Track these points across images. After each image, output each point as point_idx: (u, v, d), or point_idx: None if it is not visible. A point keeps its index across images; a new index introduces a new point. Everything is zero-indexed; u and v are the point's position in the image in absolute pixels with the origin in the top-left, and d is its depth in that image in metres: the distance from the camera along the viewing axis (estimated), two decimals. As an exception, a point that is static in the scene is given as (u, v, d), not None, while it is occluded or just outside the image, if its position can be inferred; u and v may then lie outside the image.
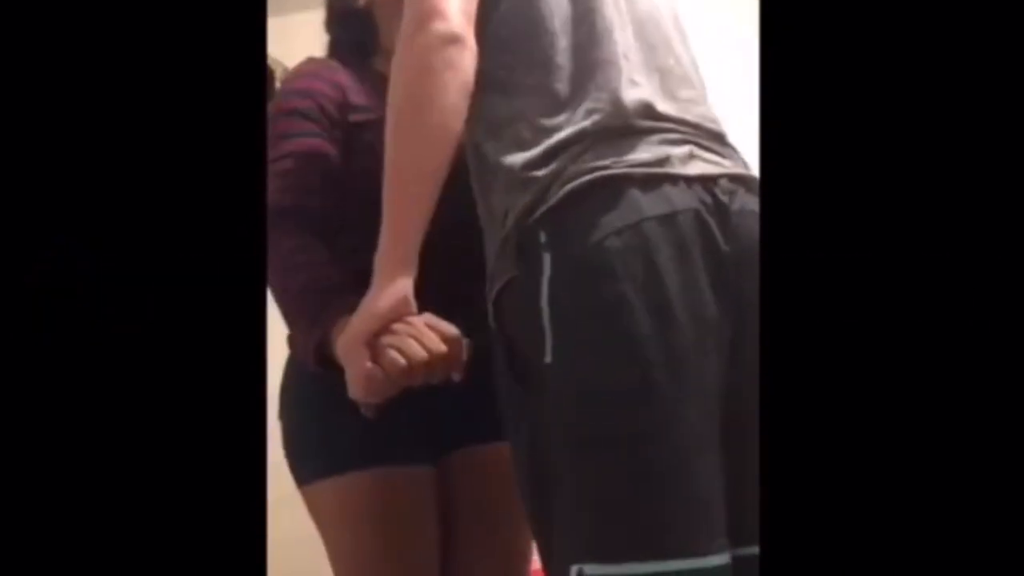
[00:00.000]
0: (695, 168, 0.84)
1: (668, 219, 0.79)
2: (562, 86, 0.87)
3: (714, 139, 0.91)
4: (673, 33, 0.97)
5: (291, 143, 1.07)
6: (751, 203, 0.85)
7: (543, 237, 0.81)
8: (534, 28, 0.89)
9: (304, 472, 1.11)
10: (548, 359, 0.79)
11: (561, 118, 0.85)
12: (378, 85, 1.06)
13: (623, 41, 0.90)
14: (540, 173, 0.82)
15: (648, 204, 0.79)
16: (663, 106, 0.88)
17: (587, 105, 0.85)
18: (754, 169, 0.81)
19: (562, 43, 0.88)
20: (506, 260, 0.84)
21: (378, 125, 0.91)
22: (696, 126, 0.89)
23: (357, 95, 1.12)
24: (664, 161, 0.82)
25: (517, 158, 0.84)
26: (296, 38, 1.69)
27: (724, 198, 0.83)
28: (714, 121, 0.93)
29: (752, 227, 0.83)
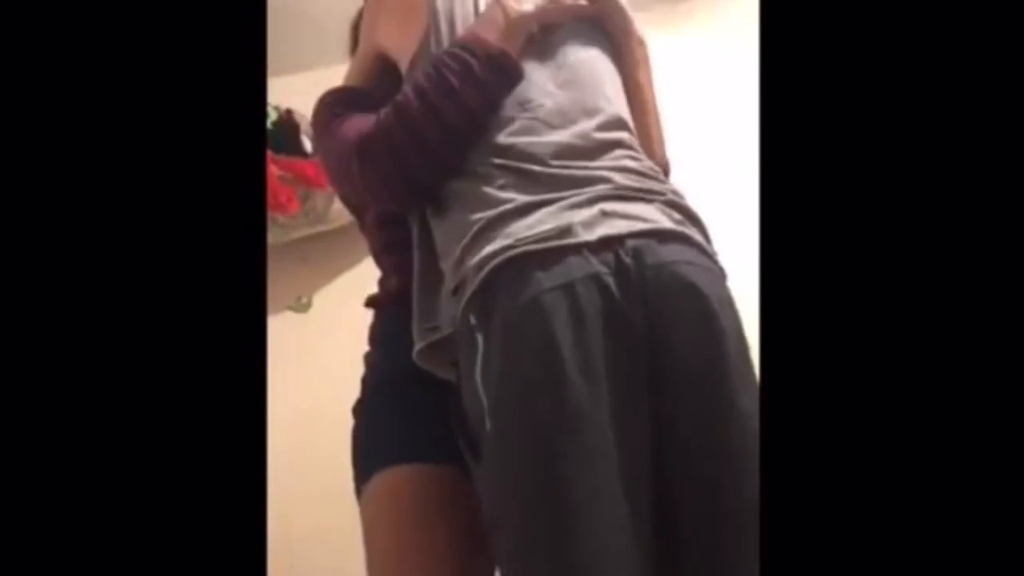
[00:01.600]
0: (599, 231, 0.88)
1: (565, 288, 0.84)
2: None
3: (638, 189, 0.94)
4: (600, 88, 1.03)
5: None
6: (669, 253, 0.88)
7: (472, 320, 0.87)
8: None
9: (357, 477, 1.12)
10: (488, 428, 0.84)
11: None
12: None
13: (542, 100, 0.98)
14: (465, 241, 0.90)
15: (546, 278, 0.85)
16: (574, 169, 0.93)
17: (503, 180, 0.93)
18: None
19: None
20: (457, 340, 0.91)
21: None
22: (612, 181, 0.93)
23: None
24: (566, 231, 0.87)
25: (454, 224, 0.93)
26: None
27: (628, 259, 0.86)
28: (637, 172, 0.96)
29: (671, 277, 0.86)
